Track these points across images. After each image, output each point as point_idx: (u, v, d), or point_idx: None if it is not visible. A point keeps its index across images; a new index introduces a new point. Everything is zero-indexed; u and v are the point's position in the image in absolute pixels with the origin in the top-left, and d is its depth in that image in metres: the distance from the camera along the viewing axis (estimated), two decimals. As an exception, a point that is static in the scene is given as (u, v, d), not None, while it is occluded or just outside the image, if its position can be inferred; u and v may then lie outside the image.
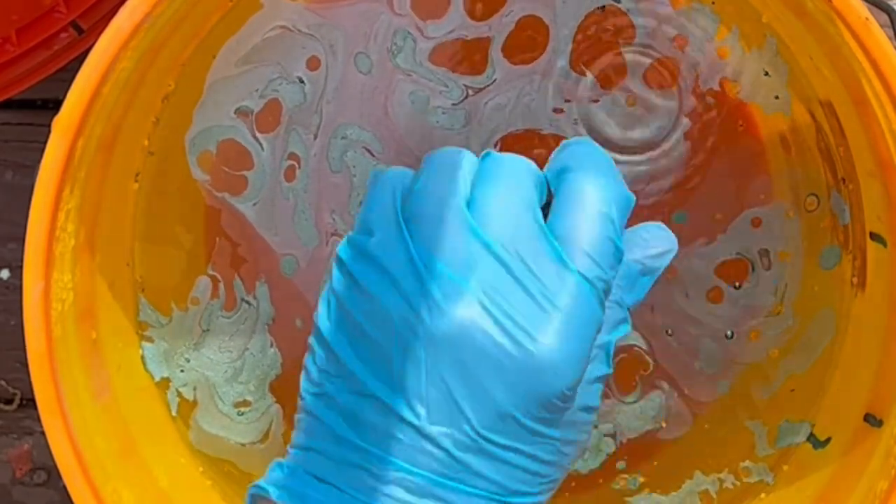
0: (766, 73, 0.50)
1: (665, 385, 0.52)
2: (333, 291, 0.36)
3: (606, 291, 0.36)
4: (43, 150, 0.41)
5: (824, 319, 0.50)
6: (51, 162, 0.41)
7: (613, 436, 0.52)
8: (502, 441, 0.35)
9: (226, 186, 0.51)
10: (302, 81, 0.50)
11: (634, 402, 0.52)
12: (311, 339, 0.37)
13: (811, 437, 0.49)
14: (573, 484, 0.52)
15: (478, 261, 0.34)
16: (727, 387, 0.52)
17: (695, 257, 0.52)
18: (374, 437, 0.35)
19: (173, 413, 0.50)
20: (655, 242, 0.38)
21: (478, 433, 0.34)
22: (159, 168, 0.50)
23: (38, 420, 0.42)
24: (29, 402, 0.60)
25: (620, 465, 0.52)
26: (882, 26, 0.42)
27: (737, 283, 0.52)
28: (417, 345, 0.34)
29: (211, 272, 0.51)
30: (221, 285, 0.51)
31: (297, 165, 0.51)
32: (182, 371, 0.51)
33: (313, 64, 0.50)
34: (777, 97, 0.50)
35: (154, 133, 0.49)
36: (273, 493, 0.35)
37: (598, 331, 0.36)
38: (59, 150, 0.41)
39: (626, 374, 0.52)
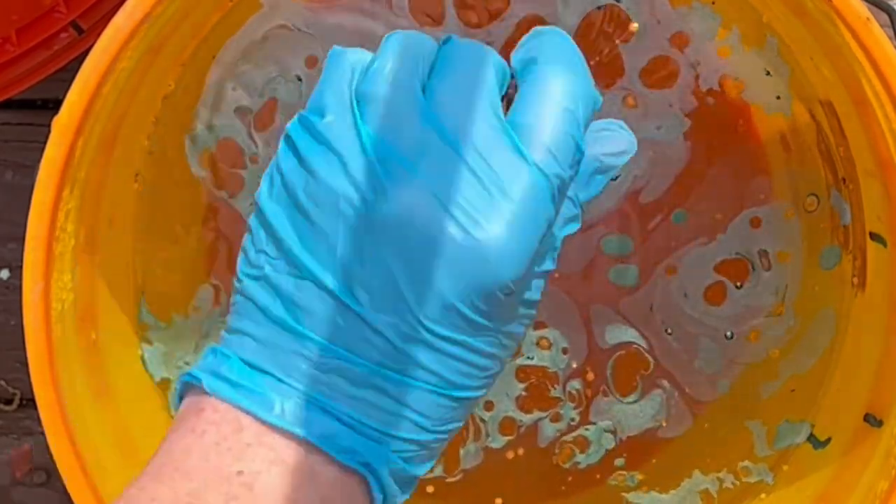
0: (768, 73, 0.50)
1: (666, 384, 0.52)
2: (279, 169, 0.34)
3: (562, 190, 0.35)
4: (43, 150, 0.41)
5: (825, 320, 0.50)
6: (51, 162, 0.41)
7: (614, 432, 0.52)
8: (444, 332, 0.34)
9: (224, 185, 0.51)
10: (300, 79, 0.50)
11: (635, 400, 0.52)
12: (252, 219, 0.35)
13: (811, 438, 0.49)
14: (570, 479, 0.52)
15: (429, 147, 0.33)
16: (727, 386, 0.52)
17: (694, 257, 0.52)
18: (314, 323, 0.33)
19: (173, 413, 0.50)
20: (615, 141, 0.37)
21: (420, 323, 0.33)
22: (159, 168, 0.50)
23: (38, 420, 0.42)
24: (29, 402, 0.60)
25: (619, 462, 0.52)
26: (882, 26, 0.42)
27: (737, 283, 0.52)
28: (362, 229, 0.33)
29: (214, 281, 0.51)
30: (223, 293, 0.51)
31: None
32: (182, 372, 0.51)
33: (311, 62, 0.50)
34: (778, 97, 0.50)
35: (154, 133, 0.49)
36: (205, 381, 0.34)
37: (549, 227, 0.35)
38: (58, 150, 0.41)
39: (627, 372, 0.52)
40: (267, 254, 0.34)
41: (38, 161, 0.41)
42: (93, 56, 0.41)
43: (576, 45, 0.36)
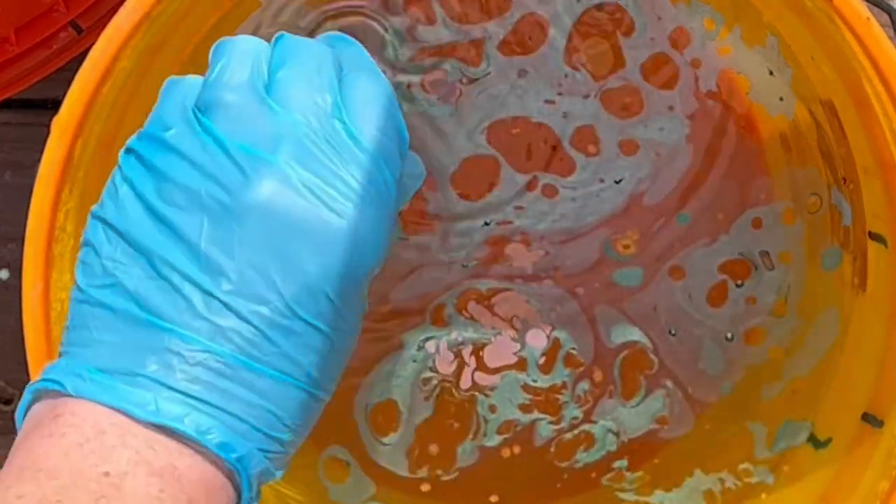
0: (771, 73, 0.50)
1: (669, 384, 0.52)
2: (125, 179, 0.35)
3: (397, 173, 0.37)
4: (42, 150, 0.41)
5: (828, 320, 0.50)
6: (50, 162, 0.41)
7: (617, 434, 0.52)
8: (311, 319, 0.34)
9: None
10: None
11: (639, 400, 0.52)
12: (90, 234, 0.35)
13: (812, 438, 0.49)
14: (566, 476, 0.52)
15: (284, 138, 0.34)
16: (730, 388, 0.52)
17: (698, 258, 0.52)
18: (178, 317, 0.33)
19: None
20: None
21: (289, 308, 0.34)
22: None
23: (38, 420, 0.42)
24: (28, 402, 0.60)
25: (621, 463, 0.52)
26: (882, 26, 0.42)
27: (738, 283, 0.52)
28: (227, 219, 0.33)
29: None
30: None
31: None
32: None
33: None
34: (781, 98, 0.50)
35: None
36: (68, 383, 0.33)
37: (395, 207, 0.37)
38: (58, 150, 0.41)
39: (631, 372, 0.52)
40: (119, 261, 0.34)
41: (38, 161, 0.41)
42: (92, 56, 0.41)
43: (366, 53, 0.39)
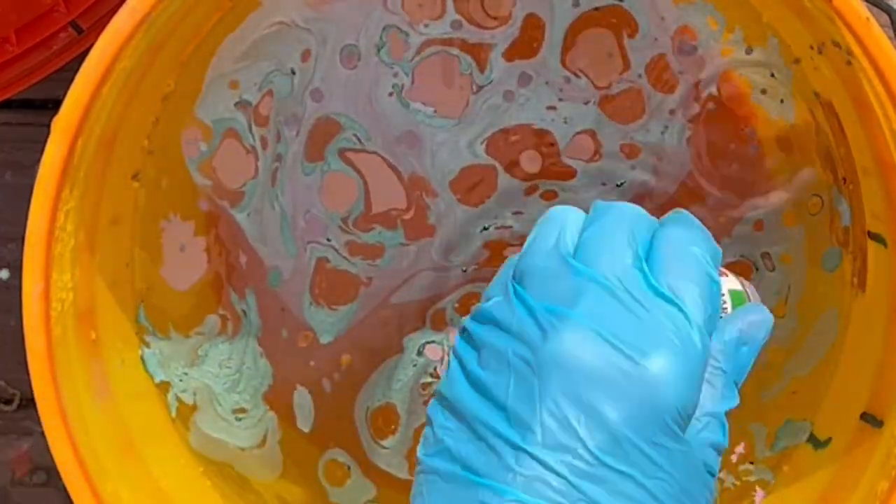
0: (772, 75, 0.50)
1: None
2: (455, 355, 0.37)
3: (708, 340, 0.37)
4: (43, 150, 0.41)
5: (828, 321, 0.50)
6: (50, 162, 0.41)
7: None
8: (619, 466, 0.35)
9: (224, 194, 0.51)
10: (293, 73, 0.50)
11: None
12: (430, 412, 0.37)
13: (811, 438, 0.49)
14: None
15: (583, 293, 0.36)
16: (729, 388, 0.52)
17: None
18: (490, 470, 0.35)
19: (173, 415, 0.50)
20: (751, 313, 0.39)
21: (594, 457, 0.35)
22: (159, 168, 0.50)
23: (38, 420, 0.42)
24: (29, 403, 0.60)
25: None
26: (882, 26, 0.42)
27: (739, 283, 0.52)
28: (530, 374, 0.35)
29: (221, 312, 0.52)
30: (230, 323, 0.52)
31: (279, 166, 0.51)
32: (181, 380, 0.51)
33: (305, 56, 0.50)
34: (782, 101, 0.50)
35: (154, 132, 0.49)
36: None
37: (705, 368, 0.37)
38: (58, 150, 0.41)
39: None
40: (448, 429, 0.36)
41: (38, 161, 0.41)
42: (92, 56, 0.41)
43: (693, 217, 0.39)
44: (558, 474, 0.34)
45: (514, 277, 0.37)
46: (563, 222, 0.38)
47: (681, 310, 0.36)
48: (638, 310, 0.36)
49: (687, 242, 0.37)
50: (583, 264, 0.36)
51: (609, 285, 0.36)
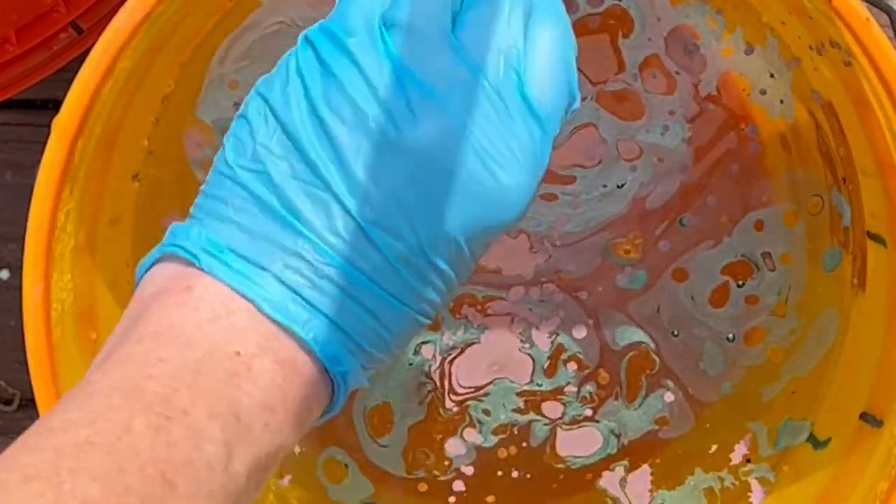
0: (772, 75, 0.50)
1: (670, 384, 0.52)
2: (298, 72, 0.35)
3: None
4: (43, 150, 0.41)
5: (828, 321, 0.50)
6: (50, 162, 0.41)
7: (618, 436, 0.52)
8: (440, 263, 0.35)
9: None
10: None
11: (640, 401, 0.52)
12: (251, 110, 0.35)
13: (811, 438, 0.49)
14: (561, 477, 0.52)
15: (459, 83, 0.34)
16: (730, 388, 0.52)
17: (701, 260, 0.52)
18: (316, 227, 0.34)
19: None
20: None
21: (422, 249, 0.34)
22: (159, 168, 0.50)
23: (38, 420, 0.42)
24: (29, 403, 0.60)
25: (623, 463, 0.52)
26: (882, 26, 0.42)
27: (740, 282, 0.52)
28: (386, 150, 0.34)
29: None
30: None
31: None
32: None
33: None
34: (782, 101, 0.50)
35: (154, 133, 0.49)
36: (203, 259, 0.34)
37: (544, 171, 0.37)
38: (58, 150, 0.41)
39: (634, 372, 0.52)
40: (270, 150, 0.34)
41: (38, 161, 0.41)
42: (93, 56, 0.41)
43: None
44: (383, 254, 0.34)
45: (383, 21, 0.35)
46: None
47: (543, 127, 0.35)
48: (505, 118, 0.35)
49: (561, 46, 0.36)
50: (463, 47, 0.35)
51: (487, 86, 0.34)
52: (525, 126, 0.35)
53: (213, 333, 0.33)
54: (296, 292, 0.34)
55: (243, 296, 0.33)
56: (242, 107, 0.36)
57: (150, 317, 0.33)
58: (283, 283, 0.34)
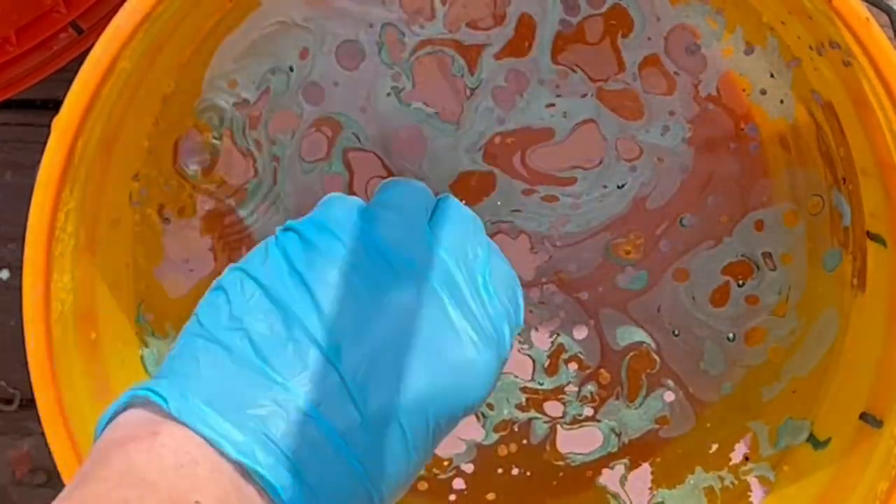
0: (772, 75, 0.50)
1: (671, 383, 0.52)
2: (280, 248, 0.37)
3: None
4: (43, 150, 0.41)
5: (828, 321, 0.50)
6: (50, 162, 0.41)
7: (619, 434, 0.52)
8: (407, 431, 0.35)
9: (228, 193, 0.51)
10: (291, 70, 0.50)
11: (641, 400, 0.52)
12: (225, 283, 0.37)
13: (811, 437, 0.49)
14: (561, 475, 0.52)
15: (436, 264, 0.37)
16: (731, 388, 0.52)
17: (702, 260, 0.52)
18: (290, 372, 0.35)
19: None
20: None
21: (394, 412, 0.35)
22: (159, 168, 0.50)
23: (38, 420, 0.42)
24: (29, 403, 0.60)
25: (624, 461, 0.52)
26: (882, 26, 0.42)
27: (740, 281, 0.52)
28: (369, 308, 0.35)
29: None
30: None
31: (277, 166, 0.51)
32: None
33: (303, 54, 0.50)
34: (782, 101, 0.50)
35: (154, 132, 0.49)
36: (173, 403, 0.34)
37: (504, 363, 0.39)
38: (58, 150, 0.41)
39: (635, 371, 0.52)
40: (251, 312, 0.36)
41: (38, 161, 0.41)
42: (93, 56, 0.41)
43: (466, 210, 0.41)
44: (358, 411, 0.35)
45: (367, 207, 0.38)
46: (420, 192, 0.40)
47: (503, 317, 0.38)
48: (475, 303, 0.37)
49: (511, 277, 0.40)
50: (437, 242, 0.38)
51: (458, 272, 0.37)
52: (489, 314, 0.38)
53: (178, 481, 0.33)
54: (266, 436, 0.34)
55: (210, 442, 0.34)
56: (214, 285, 0.37)
57: (114, 459, 0.34)
58: (253, 427, 0.34)
